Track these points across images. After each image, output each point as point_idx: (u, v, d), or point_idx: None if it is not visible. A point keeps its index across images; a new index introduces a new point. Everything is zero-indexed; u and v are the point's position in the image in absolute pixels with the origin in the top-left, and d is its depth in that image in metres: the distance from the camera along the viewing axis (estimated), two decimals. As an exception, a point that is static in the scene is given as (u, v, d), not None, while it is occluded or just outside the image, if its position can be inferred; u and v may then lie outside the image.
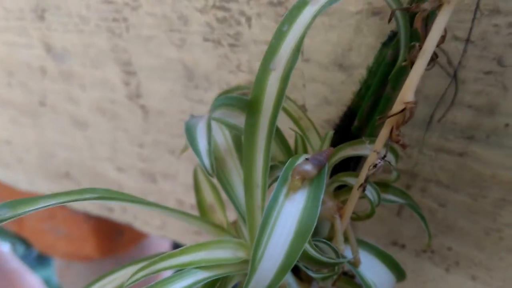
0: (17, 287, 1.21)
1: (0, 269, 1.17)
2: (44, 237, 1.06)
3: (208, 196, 0.39)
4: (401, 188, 0.35)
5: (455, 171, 0.36)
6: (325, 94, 0.37)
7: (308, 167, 0.24)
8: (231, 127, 0.29)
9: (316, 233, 0.39)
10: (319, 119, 0.39)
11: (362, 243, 0.33)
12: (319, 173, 0.25)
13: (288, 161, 0.26)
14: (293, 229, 0.24)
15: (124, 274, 0.34)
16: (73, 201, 0.28)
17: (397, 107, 0.27)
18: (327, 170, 0.25)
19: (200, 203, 0.39)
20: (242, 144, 0.28)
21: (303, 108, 0.39)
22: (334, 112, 0.38)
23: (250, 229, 0.29)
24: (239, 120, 0.29)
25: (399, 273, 0.33)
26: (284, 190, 0.25)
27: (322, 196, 0.24)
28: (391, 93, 0.33)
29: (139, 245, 1.11)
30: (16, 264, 1.21)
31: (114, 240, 1.04)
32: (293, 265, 0.23)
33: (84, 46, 0.48)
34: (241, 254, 0.29)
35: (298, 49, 0.25)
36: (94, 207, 0.70)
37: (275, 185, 0.25)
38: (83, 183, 0.66)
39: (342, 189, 0.34)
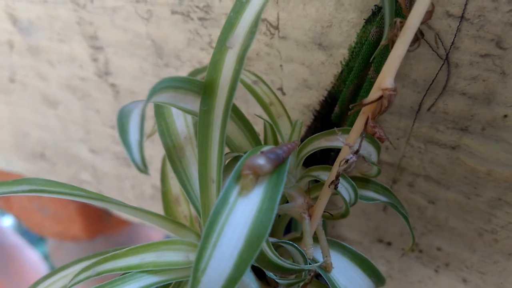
0: (17, 262, 1.21)
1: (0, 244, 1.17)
2: (32, 216, 1.06)
3: (174, 187, 0.36)
4: (385, 184, 0.32)
5: (447, 166, 0.33)
6: (304, 77, 0.34)
7: (261, 161, 0.21)
8: (187, 112, 0.26)
9: (288, 231, 0.36)
10: (298, 103, 0.36)
11: (335, 245, 0.29)
12: (278, 170, 0.22)
13: (246, 154, 0.23)
14: (243, 236, 0.20)
15: (73, 271, 0.31)
16: (5, 193, 0.25)
17: (373, 94, 0.23)
18: (287, 166, 0.22)
19: (165, 195, 0.36)
20: (197, 133, 0.25)
21: (281, 91, 0.36)
22: (314, 97, 0.35)
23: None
24: (195, 105, 0.25)
25: (377, 278, 0.30)
26: (237, 188, 0.22)
27: (279, 197, 0.21)
28: (375, 77, 0.30)
29: (131, 227, 1.09)
30: (16, 239, 1.21)
31: (102, 221, 1.03)
32: (241, 277, 0.20)
33: (49, 18, 0.45)
34: (194, 257, 0.26)
35: (256, 24, 0.22)
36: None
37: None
38: (58, 164, 0.63)
39: (316, 184, 0.31)
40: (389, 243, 0.41)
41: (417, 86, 0.30)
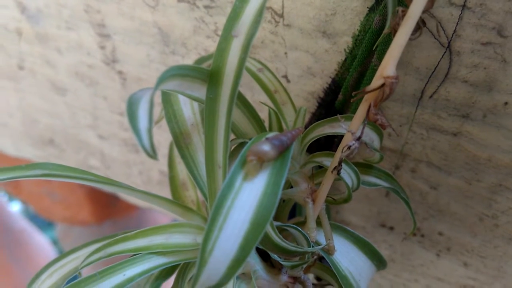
0: (26, 246, 1.23)
1: (9, 229, 1.19)
2: (41, 201, 1.07)
3: (182, 172, 0.37)
4: (387, 170, 0.33)
5: (448, 152, 0.33)
6: (308, 64, 0.34)
7: (266, 147, 0.22)
8: (194, 100, 0.27)
9: (293, 215, 0.37)
10: (303, 91, 0.36)
11: (338, 229, 0.30)
12: (283, 156, 0.23)
13: (251, 140, 0.24)
14: (248, 219, 0.21)
15: (83, 254, 0.32)
16: (18, 177, 0.26)
17: (375, 82, 0.24)
18: (291, 152, 0.23)
19: (172, 180, 0.36)
20: (204, 120, 0.26)
21: (285, 78, 0.36)
22: (318, 84, 0.35)
23: (212, 213, 0.27)
24: (202, 92, 0.26)
25: (379, 261, 0.31)
26: (242, 173, 0.22)
27: (283, 182, 0.22)
28: (378, 65, 0.30)
29: (138, 212, 1.11)
30: (25, 224, 1.23)
31: (110, 206, 1.04)
32: (246, 258, 0.21)
33: (57, 6, 0.45)
34: (201, 239, 0.27)
35: (261, 13, 0.22)
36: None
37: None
38: (67, 150, 0.64)
39: (320, 170, 0.32)
40: (391, 228, 0.42)
41: (419, 74, 0.30)
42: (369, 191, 0.40)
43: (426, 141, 0.34)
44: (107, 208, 1.04)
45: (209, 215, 0.21)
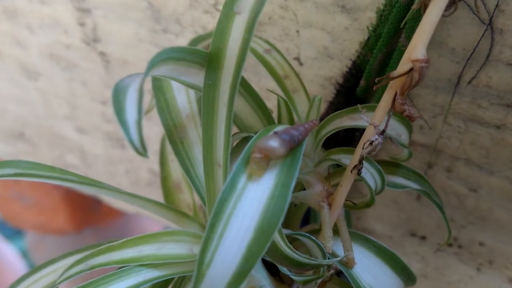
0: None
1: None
2: (9, 206, 1.07)
3: (175, 171, 0.38)
4: (418, 169, 0.33)
5: (490, 148, 0.34)
6: (325, 44, 0.35)
7: (274, 143, 0.22)
8: (190, 87, 0.28)
9: (307, 222, 0.38)
10: (318, 76, 0.37)
11: (359, 238, 0.31)
12: (293, 153, 0.23)
13: (256, 134, 0.25)
14: (253, 226, 0.22)
15: (61, 266, 0.33)
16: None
17: (402, 66, 0.24)
18: (303, 149, 0.23)
19: (165, 181, 0.37)
20: (201, 110, 0.26)
21: (297, 61, 0.37)
22: (337, 68, 0.36)
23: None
24: (199, 78, 0.27)
25: (407, 276, 0.32)
26: (246, 173, 0.23)
27: (293, 183, 0.22)
28: (406, 45, 0.31)
29: (124, 218, 1.11)
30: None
31: (91, 211, 1.04)
32: (250, 271, 0.22)
33: (29, -25, 0.46)
34: (198, 249, 0.28)
35: (268, -14, 0.23)
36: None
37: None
38: (40, 145, 0.65)
39: (338, 169, 0.33)
40: (423, 237, 0.42)
41: (455, 56, 0.31)
42: (397, 194, 0.41)
43: (464, 134, 0.34)
44: (87, 213, 1.04)
45: (208, 222, 0.22)
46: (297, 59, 0.37)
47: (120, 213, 1.05)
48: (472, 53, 0.30)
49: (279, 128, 0.25)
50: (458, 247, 0.41)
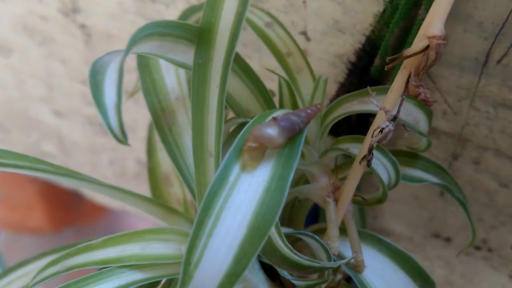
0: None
1: None
2: (-23, 202, 1.08)
3: (164, 162, 0.39)
4: (441, 161, 0.34)
5: (523, 137, 0.35)
6: (334, 17, 0.36)
7: (271, 131, 0.23)
8: (179, 66, 0.28)
9: (315, 221, 0.39)
10: (328, 53, 0.38)
11: (370, 239, 0.32)
12: (292, 142, 0.24)
13: (252, 120, 0.26)
14: (246, 222, 0.23)
15: (35, 268, 0.34)
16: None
17: (417, 43, 0.25)
18: (304, 137, 0.24)
19: (152, 172, 0.38)
20: (191, 93, 0.27)
21: (304, 36, 0.38)
22: (349, 44, 0.37)
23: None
24: (189, 56, 0.28)
25: (425, 282, 0.33)
26: (239, 164, 0.24)
27: (291, 175, 0.23)
28: (426, 19, 0.31)
29: (108, 215, 1.12)
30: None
31: (72, 208, 1.05)
32: (243, 273, 0.23)
33: None
34: (186, 249, 0.29)
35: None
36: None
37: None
38: (12, 131, 0.66)
39: (347, 160, 0.34)
40: (448, 239, 0.43)
41: (483, 31, 0.31)
42: (418, 190, 0.42)
43: (494, 121, 0.35)
44: (67, 211, 1.04)
45: (196, 217, 0.23)
46: (304, 33, 0.38)
47: (105, 210, 1.05)
48: (501, 28, 0.31)
49: (278, 113, 0.26)
50: (487, 251, 0.42)
